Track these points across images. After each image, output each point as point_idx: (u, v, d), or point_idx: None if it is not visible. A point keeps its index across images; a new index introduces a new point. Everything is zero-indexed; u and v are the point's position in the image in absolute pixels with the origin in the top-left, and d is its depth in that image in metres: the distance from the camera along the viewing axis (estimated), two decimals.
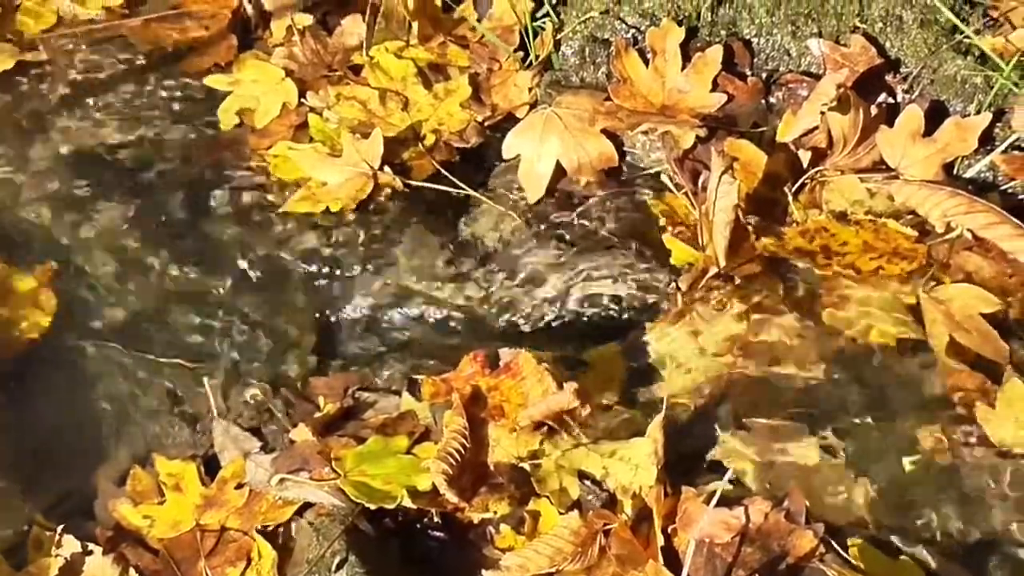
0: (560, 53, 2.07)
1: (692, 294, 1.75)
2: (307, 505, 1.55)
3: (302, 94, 2.10)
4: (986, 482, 1.53)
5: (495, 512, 1.51)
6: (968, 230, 1.75)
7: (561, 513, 1.49)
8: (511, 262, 1.88)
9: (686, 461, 1.56)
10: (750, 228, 1.79)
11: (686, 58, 1.98)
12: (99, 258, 1.92)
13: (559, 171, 1.94)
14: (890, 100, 1.94)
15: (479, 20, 2.17)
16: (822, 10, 1.98)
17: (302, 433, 1.61)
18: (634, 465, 1.51)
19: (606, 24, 2.05)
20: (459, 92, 2.08)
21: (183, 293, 1.88)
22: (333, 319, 1.85)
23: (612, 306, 1.80)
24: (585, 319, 1.80)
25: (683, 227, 1.84)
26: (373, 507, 1.51)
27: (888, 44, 1.96)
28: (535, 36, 2.09)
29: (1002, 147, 1.87)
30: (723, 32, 2.02)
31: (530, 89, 2.06)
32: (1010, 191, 1.86)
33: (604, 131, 1.95)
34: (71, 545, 1.55)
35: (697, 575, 1.41)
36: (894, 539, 1.48)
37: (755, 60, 2.02)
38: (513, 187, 1.97)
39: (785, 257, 1.78)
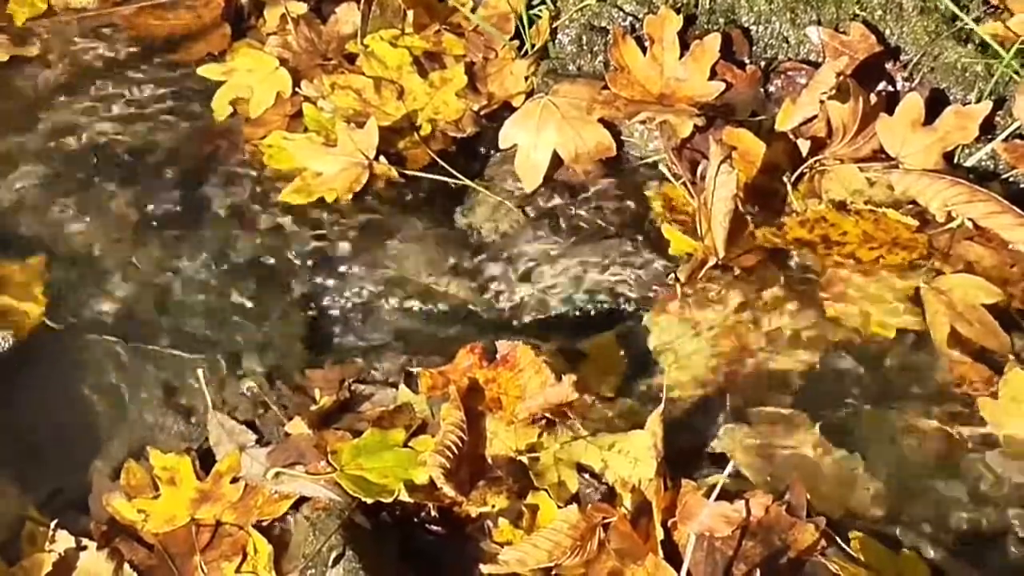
0: (556, 41, 2.06)
1: (691, 284, 1.74)
2: (303, 499, 1.54)
3: (296, 83, 2.08)
4: (989, 474, 1.53)
5: (493, 506, 1.51)
6: (969, 219, 1.75)
7: (560, 507, 1.48)
8: (508, 252, 1.87)
9: (686, 454, 1.55)
10: (749, 218, 1.78)
11: (684, 46, 1.97)
12: (92, 249, 1.91)
13: (556, 160, 1.94)
14: (890, 88, 1.93)
15: (474, 9, 2.15)
16: None
17: (298, 426, 1.60)
18: (633, 458, 1.51)
19: (603, 12, 2.04)
20: (455, 81, 2.06)
21: (177, 284, 1.87)
22: (328, 310, 1.84)
23: (610, 297, 1.79)
24: (583, 310, 1.79)
25: (681, 217, 1.83)
26: (370, 501, 1.50)
27: (888, 32, 1.95)
28: (531, 24, 2.08)
29: (1003, 135, 1.85)
30: (721, 20, 2.00)
31: (526, 78, 2.05)
32: (1011, 180, 1.85)
33: (601, 120, 1.94)
34: (65, 540, 1.54)
35: (697, 569, 1.41)
36: (896, 532, 1.47)
37: (753, 48, 2.00)
38: (510, 177, 1.96)
39: (784, 247, 1.77)
